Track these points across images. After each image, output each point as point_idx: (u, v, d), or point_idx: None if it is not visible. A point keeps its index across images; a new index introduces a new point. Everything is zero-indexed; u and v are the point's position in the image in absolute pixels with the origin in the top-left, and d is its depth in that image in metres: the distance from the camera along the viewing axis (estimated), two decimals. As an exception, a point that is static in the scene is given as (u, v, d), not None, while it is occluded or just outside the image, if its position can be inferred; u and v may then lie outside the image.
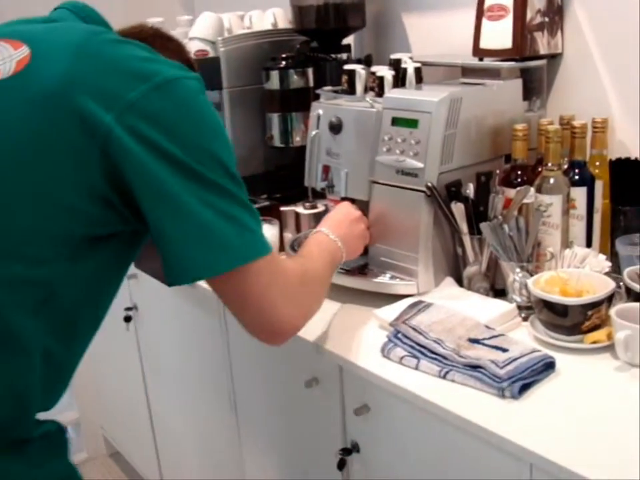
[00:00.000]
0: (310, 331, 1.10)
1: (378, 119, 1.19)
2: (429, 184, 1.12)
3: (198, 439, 1.69)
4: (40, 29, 0.81)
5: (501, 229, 1.13)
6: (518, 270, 1.10)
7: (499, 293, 1.16)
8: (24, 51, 0.75)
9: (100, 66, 0.74)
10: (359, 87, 1.28)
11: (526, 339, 1.04)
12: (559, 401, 0.89)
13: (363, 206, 1.22)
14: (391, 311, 1.10)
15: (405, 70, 1.26)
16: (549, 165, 1.17)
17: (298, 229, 1.48)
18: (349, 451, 1.13)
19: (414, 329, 1.03)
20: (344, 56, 1.59)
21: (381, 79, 1.25)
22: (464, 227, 1.15)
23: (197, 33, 1.61)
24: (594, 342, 0.99)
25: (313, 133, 1.30)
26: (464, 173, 1.18)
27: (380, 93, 1.24)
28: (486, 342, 0.99)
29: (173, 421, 1.78)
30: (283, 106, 1.55)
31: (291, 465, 1.33)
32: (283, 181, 1.62)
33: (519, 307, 1.11)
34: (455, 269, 1.20)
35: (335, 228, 1.10)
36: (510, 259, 1.12)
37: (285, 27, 1.70)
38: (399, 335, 1.03)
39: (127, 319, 1.80)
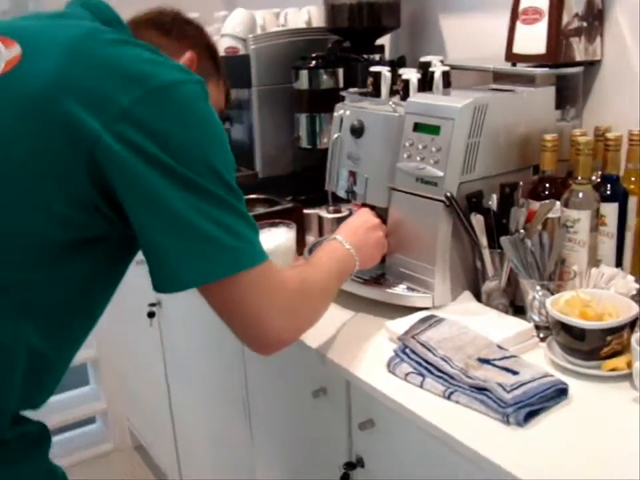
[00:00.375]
0: (318, 340, 1.09)
1: (400, 123, 1.16)
2: (448, 194, 1.08)
3: (213, 439, 1.69)
4: (38, 26, 0.79)
5: (522, 243, 1.08)
6: (538, 288, 1.05)
7: (519, 310, 1.11)
8: (15, 50, 0.73)
9: (93, 68, 0.72)
10: (384, 90, 1.24)
11: (541, 361, 0.99)
12: (567, 431, 0.84)
13: (382, 213, 1.19)
14: (403, 324, 1.07)
15: (432, 73, 1.22)
16: (579, 178, 1.11)
17: (321, 232, 1.46)
18: (353, 465, 1.10)
19: (422, 345, 0.99)
20: (376, 57, 1.56)
21: (406, 82, 1.21)
22: (483, 240, 1.10)
23: (228, 30, 1.60)
24: (612, 369, 0.94)
25: (335, 135, 1.27)
26: (487, 183, 1.13)
27: (405, 97, 1.20)
28: (496, 363, 0.94)
29: (192, 419, 1.79)
30: (311, 106, 1.53)
31: (297, 473, 1.31)
32: (309, 182, 1.60)
33: (537, 327, 1.06)
34: (474, 283, 1.16)
35: (350, 235, 1.07)
36: (530, 276, 1.07)
37: (318, 26, 1.68)
38: (407, 350, 1.00)
39: (151, 315, 1.80)
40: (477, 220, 1.09)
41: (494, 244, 1.10)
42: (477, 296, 1.15)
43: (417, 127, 1.13)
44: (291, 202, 1.53)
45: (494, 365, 0.94)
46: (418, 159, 1.12)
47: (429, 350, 0.98)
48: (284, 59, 1.59)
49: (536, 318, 1.06)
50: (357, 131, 1.22)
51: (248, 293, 0.75)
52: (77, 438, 2.41)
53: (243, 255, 0.75)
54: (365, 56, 1.55)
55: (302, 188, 1.62)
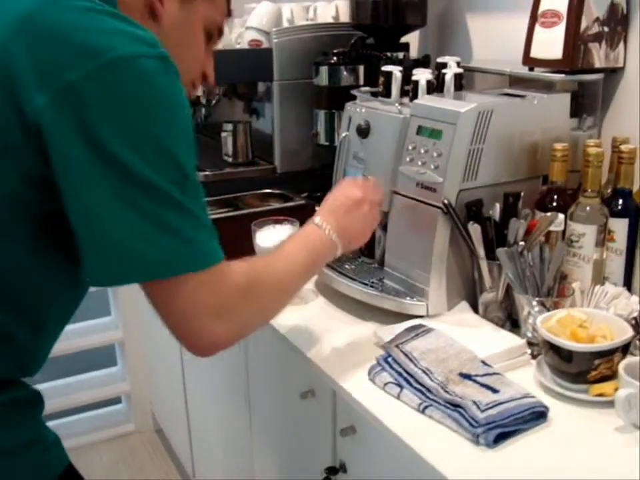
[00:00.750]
0: (307, 341, 1.09)
1: (404, 126, 1.13)
2: (446, 201, 1.05)
3: (221, 431, 1.70)
4: None
5: (520, 256, 1.04)
6: (534, 303, 1.02)
7: (516, 324, 1.08)
8: None
9: (45, 38, 0.67)
10: (394, 90, 1.21)
11: (529, 380, 0.96)
12: (539, 456, 0.81)
13: (383, 217, 1.16)
14: (393, 331, 1.05)
15: (444, 75, 1.19)
16: (588, 190, 1.07)
17: None
18: (335, 470, 1.09)
19: (405, 355, 0.98)
20: (400, 55, 1.53)
21: (416, 83, 1.18)
22: (481, 250, 1.07)
23: (253, 23, 1.60)
24: (599, 394, 0.90)
25: (343, 135, 1.25)
26: (491, 191, 1.10)
27: (414, 99, 1.18)
28: (478, 379, 0.92)
29: (204, 409, 1.80)
30: (329, 103, 1.51)
31: (288, 471, 1.32)
32: (326, 180, 1.58)
33: (531, 344, 1.02)
34: (472, 294, 1.13)
35: (329, 217, 0.97)
36: (527, 291, 1.03)
37: (345, 21, 1.66)
38: (389, 359, 0.99)
39: None
40: (474, 229, 1.06)
41: (493, 255, 1.07)
42: (475, 307, 1.12)
43: (420, 130, 1.10)
44: (305, 199, 1.52)
45: (475, 381, 0.91)
46: (419, 163, 1.10)
47: (411, 360, 0.96)
48: (307, 54, 1.58)
49: (530, 334, 1.03)
50: (363, 132, 1.20)
51: (184, 296, 0.72)
52: (102, 417, 2.46)
53: (180, 258, 0.70)
54: (389, 54, 1.52)
55: (319, 185, 1.60)
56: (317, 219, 0.97)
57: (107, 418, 2.47)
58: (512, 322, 1.09)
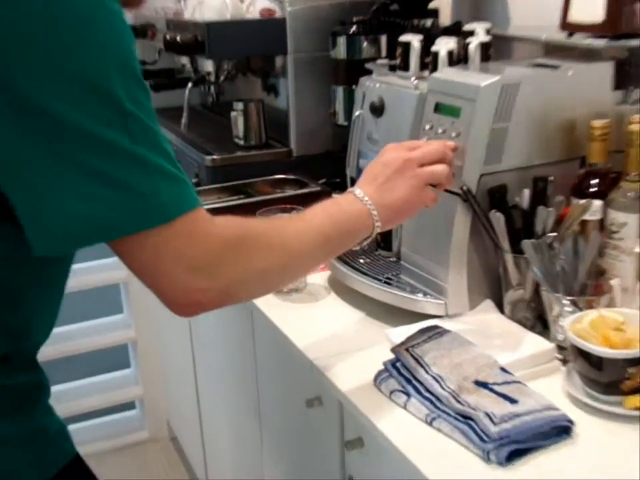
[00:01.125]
0: (312, 343, 1.08)
1: (421, 103, 1.12)
2: (464, 187, 1.03)
3: (233, 440, 1.71)
4: None
5: (550, 249, 1.01)
6: (565, 302, 0.99)
7: (548, 325, 1.04)
8: None
9: None
10: (413, 63, 1.20)
11: (556, 390, 0.94)
12: (561, 477, 0.79)
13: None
14: (406, 333, 1.03)
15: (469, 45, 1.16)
16: (631, 174, 1.03)
17: None
18: (343, 486, 1.09)
19: (416, 360, 0.96)
20: (428, 22, 1.50)
21: (436, 54, 1.16)
22: (505, 242, 1.05)
23: (265, -10, 1.59)
24: (634, 408, 0.87)
25: (356, 113, 1.24)
26: (519, 176, 1.07)
27: (433, 72, 1.15)
28: (495, 388, 0.90)
29: (217, 418, 1.82)
30: (348, 78, 1.49)
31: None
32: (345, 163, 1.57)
33: (561, 348, 1.00)
34: (499, 292, 1.10)
35: (368, 185, 0.91)
36: (556, 289, 1.00)
37: (367, -14, 1.64)
38: (398, 364, 0.97)
39: None
40: (497, 218, 1.04)
41: (520, 248, 1.04)
42: (501, 306, 1.10)
43: (438, 108, 1.08)
44: (322, 185, 1.51)
45: (491, 390, 0.89)
46: None
47: (421, 366, 0.95)
48: (324, 23, 1.56)
49: (560, 337, 1.00)
50: (377, 110, 1.19)
51: (147, 250, 0.69)
52: (115, 423, 2.50)
53: (131, 215, 0.67)
54: (415, 21, 1.49)
55: (338, 169, 1.58)
56: (356, 189, 0.92)
57: (121, 424, 2.51)
58: (543, 323, 1.06)
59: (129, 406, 2.55)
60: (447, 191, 1.03)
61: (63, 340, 2.27)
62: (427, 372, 0.94)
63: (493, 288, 1.10)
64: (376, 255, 1.25)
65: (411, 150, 0.95)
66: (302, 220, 0.87)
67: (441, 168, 0.95)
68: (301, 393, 1.17)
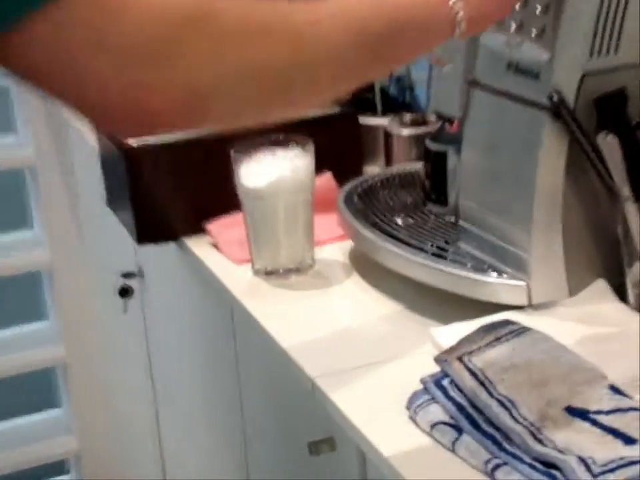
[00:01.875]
0: (316, 358, 0.99)
1: None
2: (555, 95, 0.89)
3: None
4: None
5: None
6: None
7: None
8: None
9: None
10: None
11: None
12: None
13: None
14: (460, 332, 0.92)
15: None
16: None
17: (388, 159, 1.36)
18: None
19: (474, 376, 0.83)
20: None
21: None
22: (624, 186, 0.91)
23: None
24: None
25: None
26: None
27: None
28: (599, 418, 0.78)
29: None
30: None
31: None
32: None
33: None
34: (617, 267, 0.98)
35: None
36: None
37: None
38: (444, 382, 0.85)
39: (124, 293, 1.78)
40: (609, 146, 0.89)
41: (650, 193, 0.91)
42: (621, 290, 0.97)
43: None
44: (341, 106, 1.38)
45: (594, 423, 0.78)
46: (513, 26, 0.96)
47: (482, 384, 0.82)
48: None
49: None
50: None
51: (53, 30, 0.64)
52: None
53: None
54: None
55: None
56: None
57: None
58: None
59: (57, 469, 2.37)
60: (528, 102, 0.92)
61: None
62: (490, 394, 0.82)
63: (607, 261, 1.00)
64: (423, 212, 1.15)
65: None
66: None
67: None
68: (302, 432, 1.10)
